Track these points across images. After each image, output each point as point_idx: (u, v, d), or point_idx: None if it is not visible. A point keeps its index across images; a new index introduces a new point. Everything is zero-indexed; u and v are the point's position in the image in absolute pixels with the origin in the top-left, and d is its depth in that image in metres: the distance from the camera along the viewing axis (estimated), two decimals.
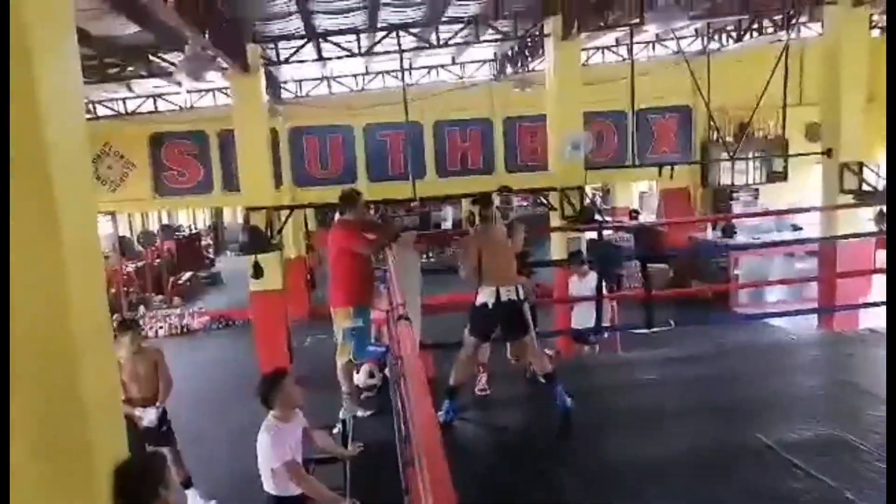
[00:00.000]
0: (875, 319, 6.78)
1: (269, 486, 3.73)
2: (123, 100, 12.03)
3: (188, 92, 11.97)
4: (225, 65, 7.84)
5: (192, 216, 23.89)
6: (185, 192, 12.18)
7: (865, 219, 8.59)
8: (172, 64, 8.50)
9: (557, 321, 7.73)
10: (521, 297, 4.38)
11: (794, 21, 9.43)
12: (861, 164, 8.37)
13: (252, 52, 8.23)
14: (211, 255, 20.61)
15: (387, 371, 5.27)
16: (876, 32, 11.41)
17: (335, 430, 5.10)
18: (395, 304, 3.82)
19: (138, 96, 12.11)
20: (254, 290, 8.42)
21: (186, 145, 12.00)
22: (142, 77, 9.46)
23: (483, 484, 3.66)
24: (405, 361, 2.75)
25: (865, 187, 8.25)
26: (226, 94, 11.53)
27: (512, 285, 4.35)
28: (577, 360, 6.45)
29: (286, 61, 9.39)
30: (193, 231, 21.98)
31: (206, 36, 6.33)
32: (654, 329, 5.73)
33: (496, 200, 5.15)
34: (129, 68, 9.00)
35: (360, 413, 5.03)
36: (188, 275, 16.30)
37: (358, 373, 5.36)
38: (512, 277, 4.40)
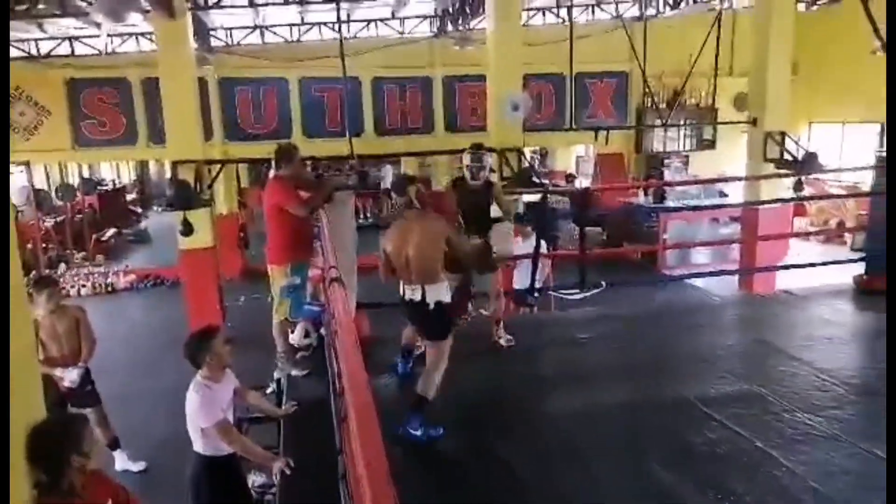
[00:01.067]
0: (790, 281, 7.22)
1: (198, 447, 3.67)
2: (36, 41, 11.15)
3: (108, 35, 11.20)
4: (147, 6, 7.35)
5: (115, 169, 22.67)
6: (107, 143, 11.50)
7: (785, 186, 9.02)
8: (89, 3, 7.90)
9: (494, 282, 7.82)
10: (425, 299, 3.75)
11: None
12: (783, 134, 8.75)
13: None
14: (137, 211, 19.72)
15: (322, 330, 5.22)
16: (801, 7, 11.83)
17: (269, 390, 5.05)
18: (328, 265, 3.76)
19: (53, 38, 11.25)
20: (183, 248, 8.13)
21: (107, 93, 11.29)
22: (55, 16, 8.76)
23: (416, 443, 3.70)
24: (337, 321, 2.72)
25: (787, 156, 8.64)
26: (150, 39, 10.86)
27: (416, 286, 3.77)
28: (514, 320, 6.58)
29: (216, 5, 8.90)
30: (118, 185, 20.90)
31: None
32: (588, 290, 5.89)
33: (466, 159, 4.90)
34: (40, 5, 8.32)
35: (294, 372, 4.98)
36: (112, 231, 15.58)
37: (293, 332, 5.30)
38: (419, 278, 3.76)
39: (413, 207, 3.86)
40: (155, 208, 19.81)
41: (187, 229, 7.71)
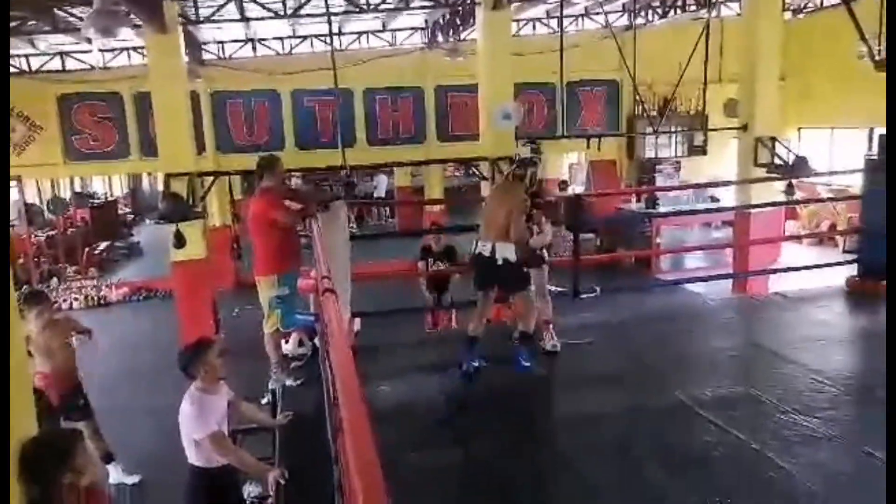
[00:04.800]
0: (783, 284, 7.25)
1: (192, 458, 3.63)
2: (27, 56, 11.16)
3: (100, 50, 11.22)
4: (139, 22, 7.37)
5: (108, 183, 22.61)
6: (100, 157, 11.49)
7: (777, 190, 9.07)
8: (80, 18, 7.91)
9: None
10: (496, 256, 4.35)
11: None
12: (773, 139, 8.82)
13: (169, 9, 7.76)
14: (129, 224, 19.64)
15: (316, 340, 5.20)
16: (788, 15, 11.97)
17: (264, 401, 5.02)
18: (321, 275, 3.75)
19: (44, 53, 11.26)
20: (176, 260, 8.10)
21: (100, 107, 11.29)
22: (46, 32, 8.78)
23: (418, 446, 3.69)
24: (330, 332, 2.71)
25: (777, 161, 8.71)
26: (141, 53, 10.89)
27: (488, 242, 4.40)
28: (507, 325, 6.58)
29: (207, 20, 8.92)
30: (110, 198, 20.83)
31: None
32: (581, 296, 5.89)
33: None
34: (31, 22, 8.32)
35: (289, 382, 4.95)
36: (105, 244, 15.49)
37: (286, 342, 5.28)
38: (490, 235, 4.41)
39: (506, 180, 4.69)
40: (147, 221, 19.76)
41: (180, 241, 7.68)
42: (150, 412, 6.44)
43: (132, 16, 7.02)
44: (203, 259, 8.30)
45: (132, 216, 20.97)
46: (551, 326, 5.11)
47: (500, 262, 4.36)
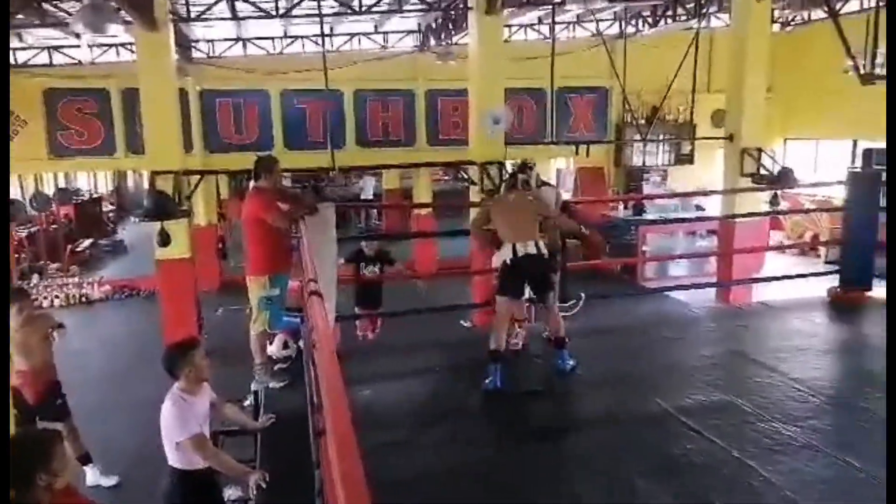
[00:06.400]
0: (766, 293, 7.32)
1: (173, 460, 3.59)
2: (14, 50, 11.02)
3: (88, 46, 11.10)
4: (129, 18, 7.30)
5: (92, 179, 22.37)
6: (85, 152, 11.34)
7: (762, 200, 9.17)
8: (68, 13, 7.84)
9: (475, 293, 7.83)
10: (542, 251, 4.63)
11: (704, 10, 9.83)
12: (759, 150, 8.91)
13: (160, 6, 7.70)
14: (114, 221, 19.45)
15: (301, 342, 5.17)
16: (776, 27, 12.12)
17: (247, 402, 4.99)
18: (307, 278, 3.73)
19: (31, 47, 11.13)
20: (160, 259, 8.02)
21: (86, 103, 11.14)
22: (35, 26, 8.67)
23: (403, 451, 3.67)
24: (316, 334, 2.70)
25: (763, 172, 8.80)
26: (130, 49, 10.79)
27: (530, 241, 4.60)
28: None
29: (197, 18, 8.87)
30: (94, 195, 20.61)
31: None
32: (567, 306, 5.90)
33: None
34: (19, 16, 8.22)
35: (272, 384, 4.92)
36: (88, 242, 15.32)
37: (271, 343, 5.24)
38: (528, 235, 4.64)
39: (520, 187, 4.94)
40: (132, 219, 19.57)
41: (164, 240, 7.60)
42: (130, 412, 6.37)
43: (122, 12, 6.96)
44: (188, 258, 8.23)
45: (117, 213, 20.77)
46: (524, 325, 5.31)
47: (546, 256, 4.67)
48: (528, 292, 4.90)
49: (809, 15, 12.60)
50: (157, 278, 8.81)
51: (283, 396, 4.74)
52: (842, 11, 9.95)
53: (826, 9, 9.31)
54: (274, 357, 5.24)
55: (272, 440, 4.04)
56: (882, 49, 9.04)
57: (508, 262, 4.62)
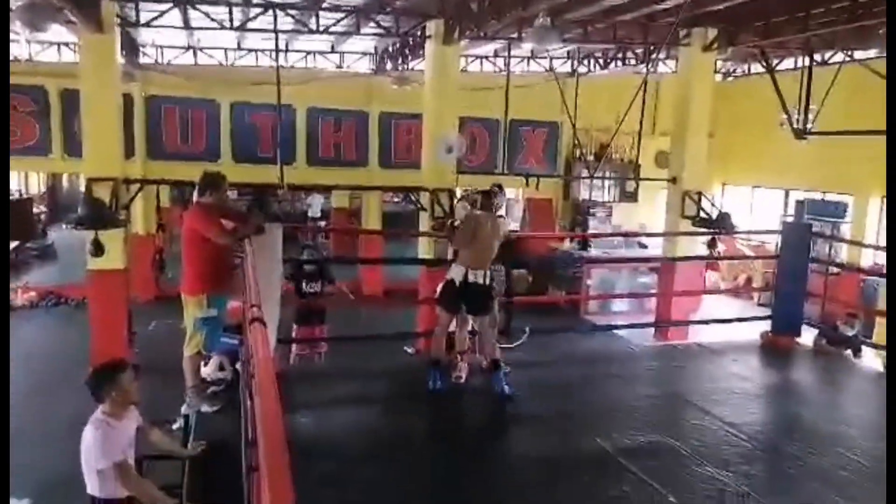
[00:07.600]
0: (702, 333, 7.56)
1: (92, 488, 3.39)
2: None
3: (27, 42, 10.64)
4: (73, 18, 7.04)
5: (24, 179, 21.27)
6: (18, 152, 10.76)
7: (700, 241, 9.49)
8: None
9: (420, 321, 7.78)
10: (488, 282, 4.83)
11: (653, 56, 10.24)
12: (700, 194, 9.27)
13: (107, 9, 7.45)
14: (44, 224, 18.50)
15: (238, 365, 4.98)
16: (719, 77, 12.72)
17: (175, 426, 4.75)
18: (250, 302, 3.60)
19: None
20: (92, 269, 7.66)
21: (21, 100, 10.62)
22: None
23: (338, 486, 3.56)
24: (255, 366, 2.59)
25: (702, 214, 9.14)
26: (72, 49, 10.39)
27: (481, 270, 4.79)
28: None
29: (147, 24, 8.62)
30: (24, 196, 19.57)
31: None
32: (512, 340, 5.92)
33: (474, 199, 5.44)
34: None
35: (204, 408, 4.69)
36: (14, 244, 14.51)
37: (206, 365, 5.02)
38: (482, 264, 4.82)
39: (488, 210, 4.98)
40: (64, 226, 18.68)
41: (98, 250, 7.28)
42: (49, 431, 6.00)
43: (65, 11, 6.69)
44: (121, 270, 7.88)
45: (49, 216, 19.79)
46: (465, 358, 5.30)
47: (491, 286, 4.88)
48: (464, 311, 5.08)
49: (749, 67, 13.32)
50: (87, 288, 8.41)
51: (217, 421, 4.52)
52: (778, 68, 10.53)
53: (764, 64, 9.87)
54: (208, 379, 5.01)
55: (201, 467, 3.85)
56: (814, 107, 9.61)
57: (457, 283, 4.83)
